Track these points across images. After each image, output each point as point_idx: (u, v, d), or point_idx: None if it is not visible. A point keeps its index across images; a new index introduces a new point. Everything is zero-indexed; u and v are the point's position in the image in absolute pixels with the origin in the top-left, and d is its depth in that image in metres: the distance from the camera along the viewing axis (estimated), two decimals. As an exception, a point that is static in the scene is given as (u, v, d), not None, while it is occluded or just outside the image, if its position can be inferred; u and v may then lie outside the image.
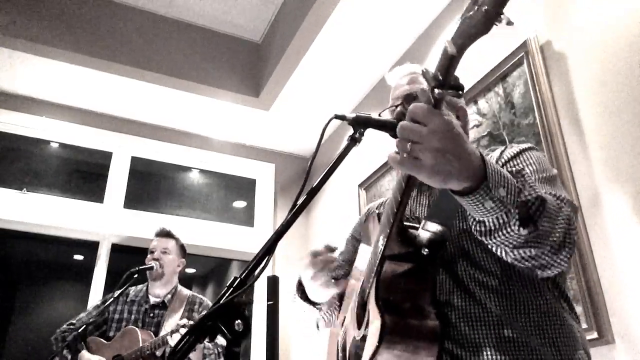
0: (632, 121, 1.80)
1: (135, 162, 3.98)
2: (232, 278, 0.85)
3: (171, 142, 4.06)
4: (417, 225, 1.07)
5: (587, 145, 1.95)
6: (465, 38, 0.72)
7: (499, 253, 0.94)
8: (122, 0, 3.54)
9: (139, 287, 2.82)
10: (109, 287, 3.47)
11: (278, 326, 2.68)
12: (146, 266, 2.72)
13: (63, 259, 4.79)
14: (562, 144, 2.03)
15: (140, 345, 2.49)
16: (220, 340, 2.54)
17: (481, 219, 0.88)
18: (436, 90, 0.78)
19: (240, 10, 3.62)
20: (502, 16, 0.68)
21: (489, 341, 0.99)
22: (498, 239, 0.89)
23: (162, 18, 3.66)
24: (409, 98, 1.28)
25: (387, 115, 1.33)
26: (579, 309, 1.82)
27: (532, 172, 1.09)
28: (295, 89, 3.63)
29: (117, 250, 3.70)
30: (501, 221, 0.86)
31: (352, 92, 3.66)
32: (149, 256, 2.79)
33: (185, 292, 2.83)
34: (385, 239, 1.00)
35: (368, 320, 1.05)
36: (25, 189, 3.57)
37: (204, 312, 1.00)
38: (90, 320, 2.61)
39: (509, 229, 0.87)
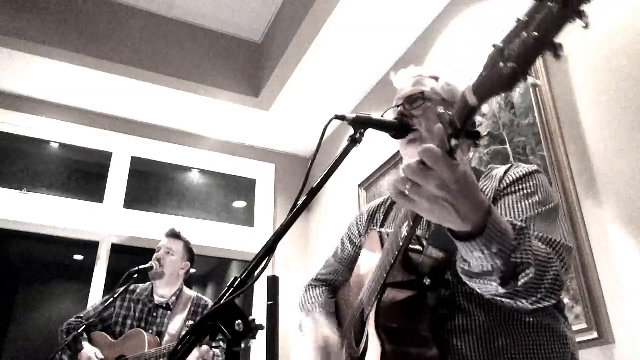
0: (631, 121, 1.80)
1: (135, 162, 3.97)
2: (233, 278, 0.85)
3: (171, 142, 4.06)
4: (419, 249, 1.07)
5: (587, 145, 1.95)
6: (487, 91, 0.69)
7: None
8: (123, 0, 3.54)
9: (146, 285, 2.81)
10: (109, 287, 3.47)
11: (278, 326, 2.68)
12: (146, 266, 2.71)
13: (63, 259, 4.79)
14: (562, 144, 2.03)
15: (146, 350, 2.48)
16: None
17: (467, 259, 0.89)
18: (453, 141, 0.76)
19: (240, 10, 3.62)
20: (528, 75, 0.63)
21: (478, 353, 1.00)
22: (476, 284, 0.92)
23: (162, 18, 3.66)
24: (411, 100, 1.28)
25: (389, 116, 1.33)
26: (578, 308, 1.82)
27: (534, 204, 1.08)
28: (295, 89, 3.63)
29: (117, 250, 3.70)
30: (485, 270, 0.87)
31: (352, 92, 3.66)
32: (154, 255, 2.79)
33: (190, 293, 2.81)
34: (389, 267, 1.01)
35: (367, 340, 1.05)
36: (25, 189, 3.57)
37: None
38: (91, 320, 2.61)
39: (488, 281, 0.88)
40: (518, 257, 0.86)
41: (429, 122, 1.21)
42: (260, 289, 3.72)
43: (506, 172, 1.18)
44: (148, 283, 2.81)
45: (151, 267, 2.71)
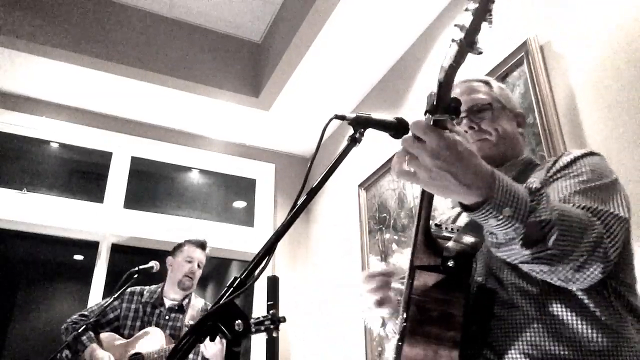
0: (631, 121, 1.80)
1: (135, 162, 3.97)
2: (232, 278, 0.85)
3: (171, 142, 4.06)
4: (449, 236, 1.08)
5: (587, 145, 1.95)
6: (450, 65, 0.85)
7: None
8: (122, 0, 3.54)
9: (153, 287, 2.84)
10: (109, 287, 3.47)
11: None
12: (146, 266, 2.73)
13: (63, 259, 4.79)
14: (562, 144, 2.03)
15: (165, 346, 2.51)
16: None
17: (491, 230, 0.89)
18: (427, 115, 0.84)
19: (240, 10, 3.62)
20: (476, 46, 0.84)
21: (521, 348, 0.98)
22: (504, 253, 0.91)
23: (162, 18, 3.66)
24: (473, 110, 1.31)
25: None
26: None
27: (577, 183, 1.06)
28: (295, 89, 3.63)
29: (117, 250, 3.70)
30: (509, 237, 0.87)
31: (352, 92, 3.66)
32: (185, 264, 2.81)
33: (199, 301, 2.88)
34: (413, 249, 1.04)
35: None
36: (25, 189, 3.57)
37: None
38: (94, 319, 2.61)
39: (513, 246, 0.88)
40: (537, 215, 0.85)
41: (500, 125, 1.30)
42: (260, 289, 3.72)
43: (555, 161, 1.17)
44: (155, 285, 2.85)
45: (151, 267, 2.74)
